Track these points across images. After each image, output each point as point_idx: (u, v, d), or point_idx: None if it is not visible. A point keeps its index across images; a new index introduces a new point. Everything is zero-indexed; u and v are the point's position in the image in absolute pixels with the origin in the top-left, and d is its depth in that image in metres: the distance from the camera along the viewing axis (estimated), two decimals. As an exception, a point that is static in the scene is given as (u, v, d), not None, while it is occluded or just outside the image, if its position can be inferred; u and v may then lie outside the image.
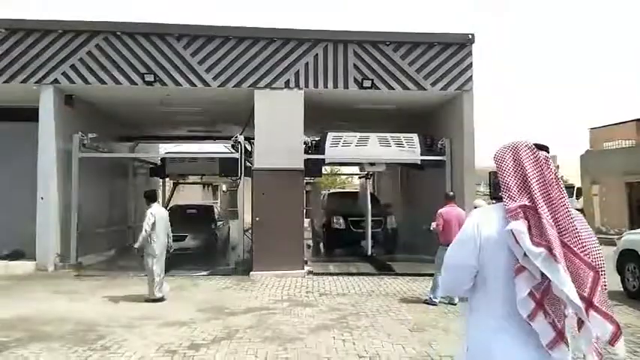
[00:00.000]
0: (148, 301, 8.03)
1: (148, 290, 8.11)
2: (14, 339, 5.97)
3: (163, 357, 5.33)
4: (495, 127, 76.99)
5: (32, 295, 8.52)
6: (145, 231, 7.93)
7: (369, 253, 12.34)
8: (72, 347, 5.65)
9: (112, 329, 6.37)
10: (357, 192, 20.38)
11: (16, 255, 11.68)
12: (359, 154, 12.33)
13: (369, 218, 12.51)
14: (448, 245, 7.46)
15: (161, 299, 8.08)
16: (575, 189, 29.14)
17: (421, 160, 12.35)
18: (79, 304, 7.93)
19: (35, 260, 10.91)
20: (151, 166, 16.29)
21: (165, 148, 18.83)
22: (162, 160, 15.30)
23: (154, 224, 7.97)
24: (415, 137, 12.38)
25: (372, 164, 12.72)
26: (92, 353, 5.46)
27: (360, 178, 15.55)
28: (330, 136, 12.27)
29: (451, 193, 8.62)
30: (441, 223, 8.01)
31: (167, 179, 17.35)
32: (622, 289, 8.78)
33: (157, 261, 8.05)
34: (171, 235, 8.37)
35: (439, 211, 8.19)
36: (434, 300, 7.90)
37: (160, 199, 16.79)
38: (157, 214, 8.10)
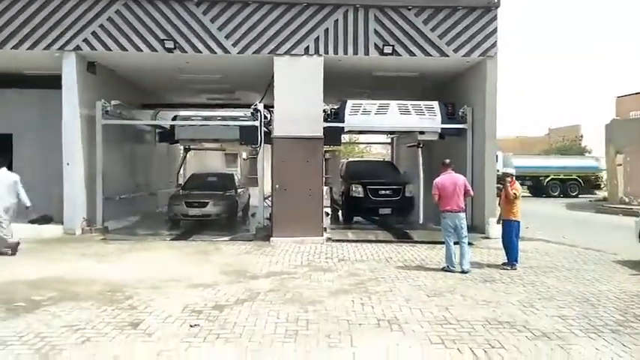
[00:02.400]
0: None
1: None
2: (47, 298, 6.25)
3: (189, 316, 5.54)
4: (514, 94, 75.04)
5: (61, 258, 8.84)
6: None
7: (421, 221, 12.42)
8: (101, 306, 5.89)
9: (139, 290, 6.61)
10: (375, 160, 20.32)
11: (44, 220, 12.07)
12: (378, 122, 12.27)
13: (421, 187, 12.44)
14: (445, 212, 7.50)
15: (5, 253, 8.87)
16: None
17: (442, 128, 12.22)
18: (107, 267, 8.23)
19: (63, 224, 11.27)
20: (159, 130, 15.28)
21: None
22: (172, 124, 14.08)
23: None
24: (436, 105, 12.22)
25: (422, 133, 12.52)
26: (120, 312, 5.70)
27: (408, 147, 15.13)
28: (350, 103, 12.19)
29: (447, 161, 8.47)
30: (436, 193, 8.11)
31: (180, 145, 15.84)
32: (644, 260, 8.72)
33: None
34: (22, 197, 9.11)
35: (435, 180, 8.23)
36: (451, 268, 7.97)
37: (180, 166, 16.77)
38: None
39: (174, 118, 14.08)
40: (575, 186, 30.32)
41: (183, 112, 14.93)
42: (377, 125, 12.64)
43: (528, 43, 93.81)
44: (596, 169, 31.67)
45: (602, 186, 32.17)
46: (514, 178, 8.67)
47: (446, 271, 7.97)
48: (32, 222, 11.91)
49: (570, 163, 31.57)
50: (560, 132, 42.92)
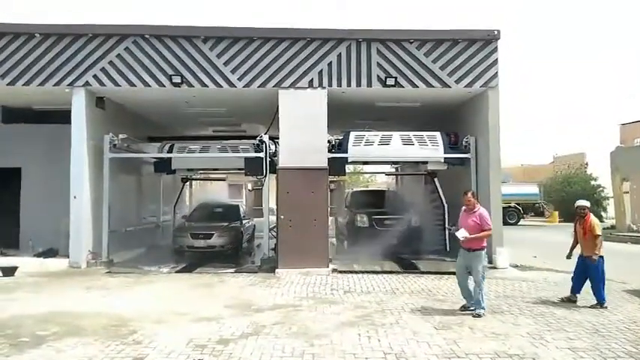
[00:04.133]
0: None
1: None
2: (51, 333, 6.20)
3: (193, 351, 5.48)
4: (515, 121, 75.33)
5: (66, 292, 8.81)
6: None
7: (448, 249, 12.24)
8: (105, 341, 5.84)
9: (143, 324, 6.56)
10: (380, 190, 20.34)
11: (50, 253, 12.12)
12: (382, 152, 12.35)
13: (447, 217, 12.43)
14: (485, 248, 6.79)
15: None
16: None
17: (445, 157, 12.28)
18: (111, 300, 8.18)
19: (68, 257, 11.28)
20: (154, 160, 14.07)
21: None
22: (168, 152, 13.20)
23: None
24: (438, 135, 12.33)
25: (425, 163, 12.72)
26: (125, 347, 5.64)
27: (422, 174, 15.25)
28: (353, 135, 12.33)
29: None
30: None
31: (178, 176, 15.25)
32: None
33: None
34: None
35: (487, 212, 7.48)
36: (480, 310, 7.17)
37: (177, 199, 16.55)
38: None
39: (171, 147, 13.31)
40: (513, 214, 29.75)
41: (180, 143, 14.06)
42: (380, 156, 12.70)
43: (531, 47, 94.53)
44: (537, 196, 31.39)
45: (545, 213, 32.13)
46: (588, 210, 7.99)
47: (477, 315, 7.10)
48: (37, 255, 12.00)
49: (508, 190, 30.99)
50: (565, 160, 42.88)
